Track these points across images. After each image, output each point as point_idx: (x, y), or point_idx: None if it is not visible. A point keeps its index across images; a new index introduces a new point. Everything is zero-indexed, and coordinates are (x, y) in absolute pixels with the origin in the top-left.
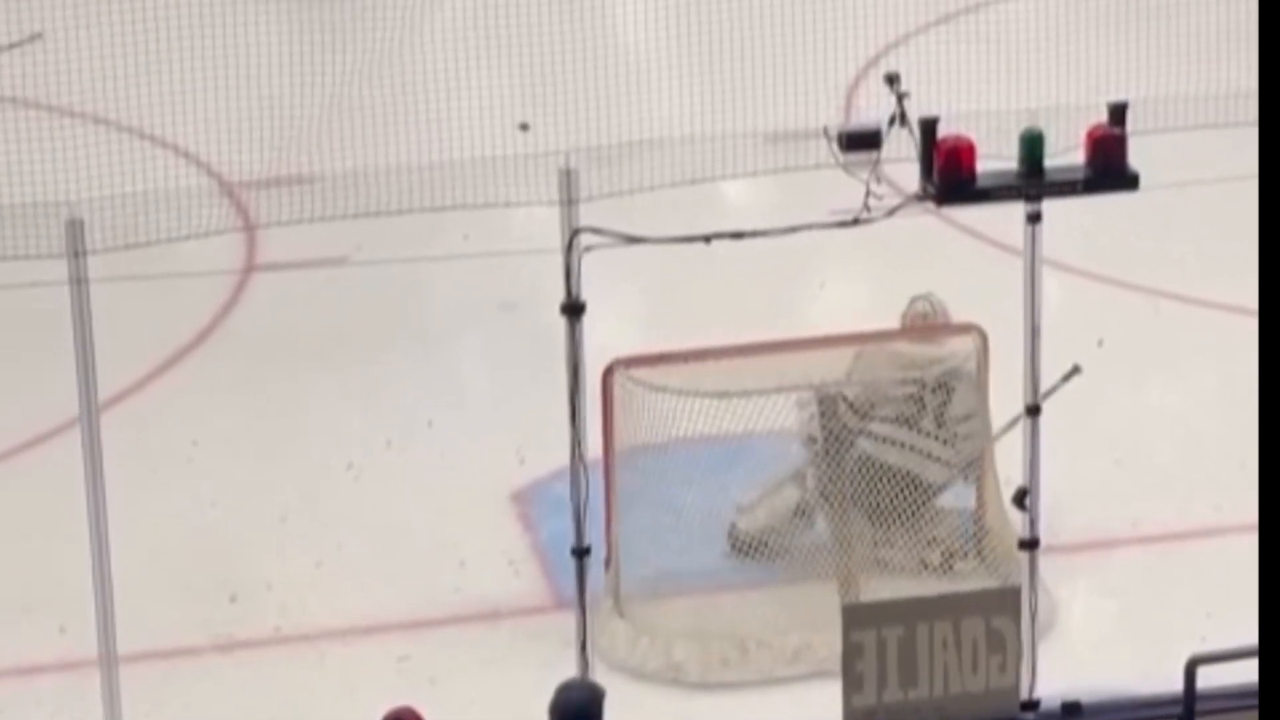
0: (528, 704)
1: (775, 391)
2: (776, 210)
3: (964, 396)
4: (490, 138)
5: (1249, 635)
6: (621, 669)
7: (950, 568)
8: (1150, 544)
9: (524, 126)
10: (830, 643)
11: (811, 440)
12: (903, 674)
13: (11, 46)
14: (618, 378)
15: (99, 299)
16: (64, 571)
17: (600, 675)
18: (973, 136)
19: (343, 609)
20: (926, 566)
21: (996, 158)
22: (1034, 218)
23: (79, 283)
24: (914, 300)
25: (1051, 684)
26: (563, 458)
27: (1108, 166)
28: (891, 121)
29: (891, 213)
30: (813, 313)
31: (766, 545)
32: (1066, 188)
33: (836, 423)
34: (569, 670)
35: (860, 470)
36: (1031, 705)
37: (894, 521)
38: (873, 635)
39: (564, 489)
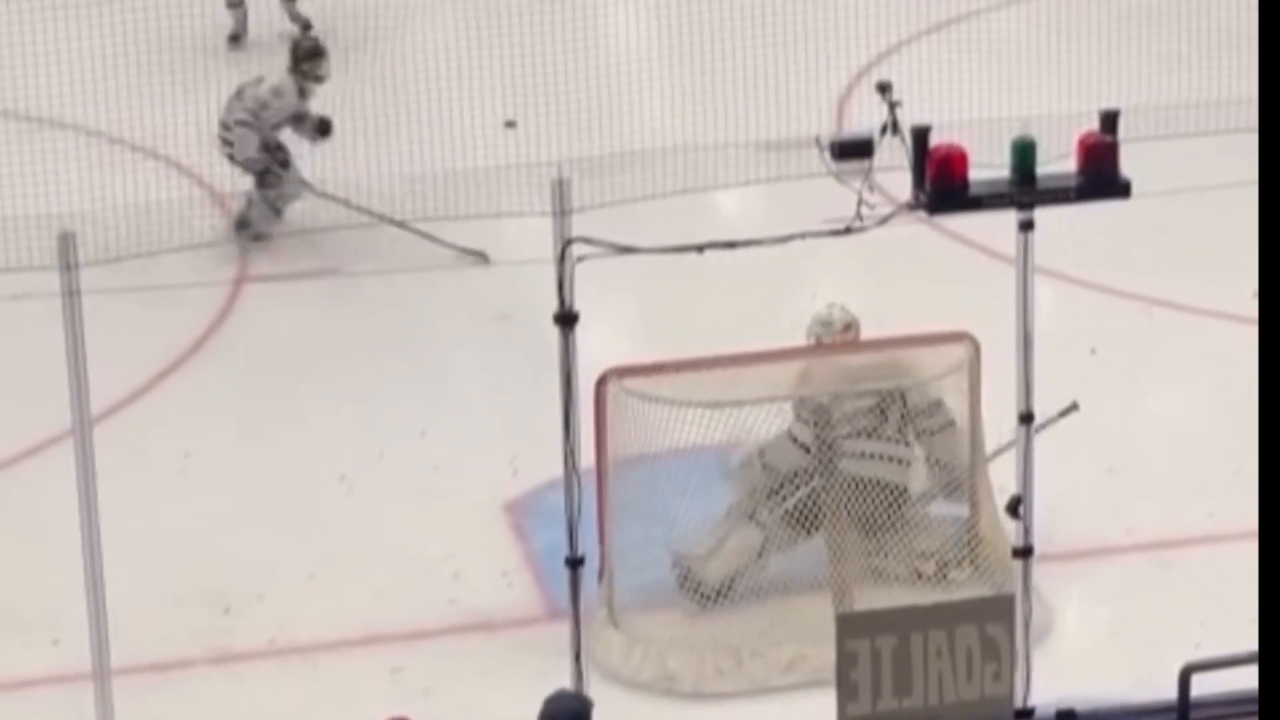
0: (522, 715)
1: (768, 401)
2: (769, 219)
3: (920, 394)
4: (482, 148)
5: (1243, 642)
6: (616, 679)
7: (944, 576)
8: (1144, 551)
9: (510, 124)
10: (824, 652)
11: (804, 449)
12: (897, 683)
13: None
14: (611, 388)
15: (91, 311)
16: (57, 584)
17: (594, 686)
18: (964, 145)
19: (336, 620)
20: (921, 576)
21: (988, 166)
22: (1026, 226)
23: (71, 295)
24: (829, 308)
25: (1046, 692)
26: (556, 468)
27: (1100, 174)
28: (883, 130)
29: (884, 221)
30: (806, 322)
31: (733, 589)
32: (1059, 195)
33: (830, 432)
34: (563, 681)
35: (844, 484)
36: (1026, 713)
37: (881, 531)
38: (867, 644)
39: (557, 499)
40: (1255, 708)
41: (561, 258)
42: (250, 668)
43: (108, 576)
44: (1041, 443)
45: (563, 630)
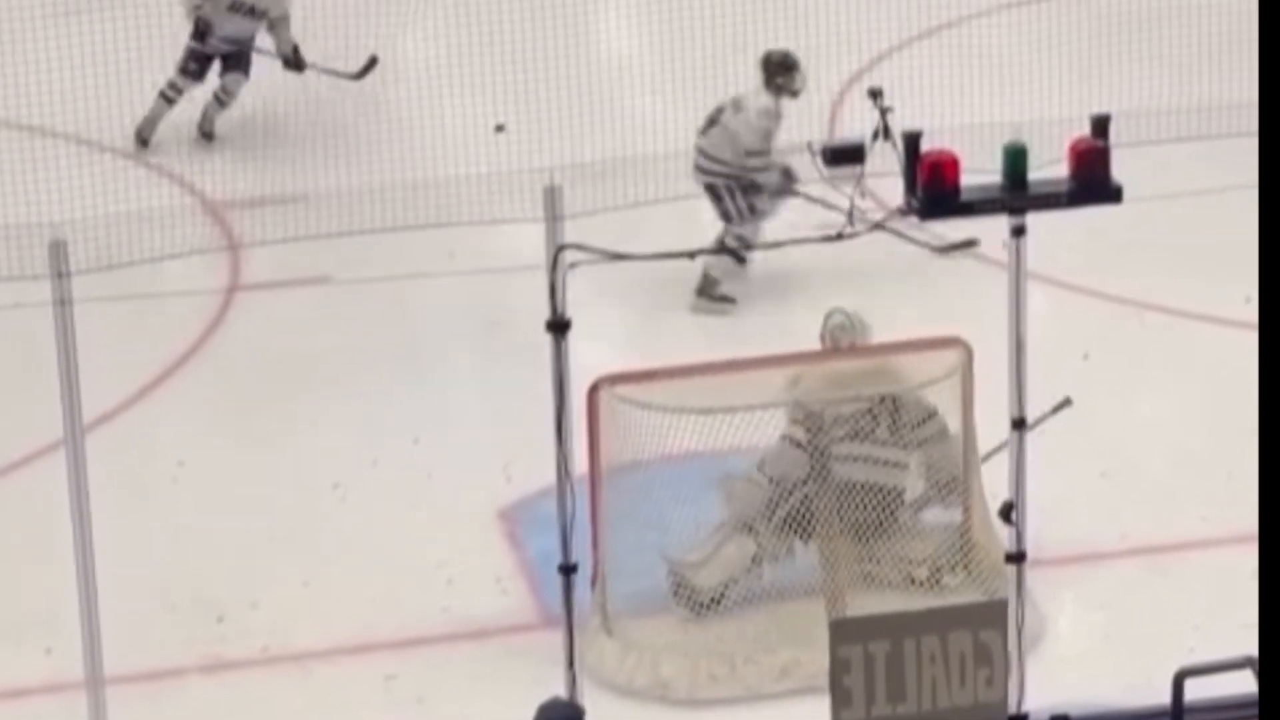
0: None
1: (761, 408)
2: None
3: (915, 403)
4: (474, 155)
5: (1237, 647)
6: (609, 686)
7: (938, 582)
8: (1137, 556)
9: (499, 128)
10: (818, 658)
11: (797, 446)
12: (890, 689)
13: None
14: (603, 395)
15: (83, 320)
16: (50, 593)
17: (588, 693)
18: (956, 150)
19: (330, 628)
20: (914, 581)
21: (980, 171)
22: (1018, 231)
23: (63, 304)
24: (831, 313)
25: (1039, 697)
26: (549, 475)
27: (1091, 179)
28: (875, 136)
29: (875, 227)
30: (798, 328)
31: (726, 598)
32: (1050, 201)
33: (823, 437)
34: (557, 688)
35: (837, 488)
36: (1020, 719)
37: (873, 536)
38: (860, 650)
39: (551, 506)
40: (1249, 713)
41: (553, 265)
42: (244, 675)
43: (101, 584)
44: (1034, 448)
45: (556, 637)
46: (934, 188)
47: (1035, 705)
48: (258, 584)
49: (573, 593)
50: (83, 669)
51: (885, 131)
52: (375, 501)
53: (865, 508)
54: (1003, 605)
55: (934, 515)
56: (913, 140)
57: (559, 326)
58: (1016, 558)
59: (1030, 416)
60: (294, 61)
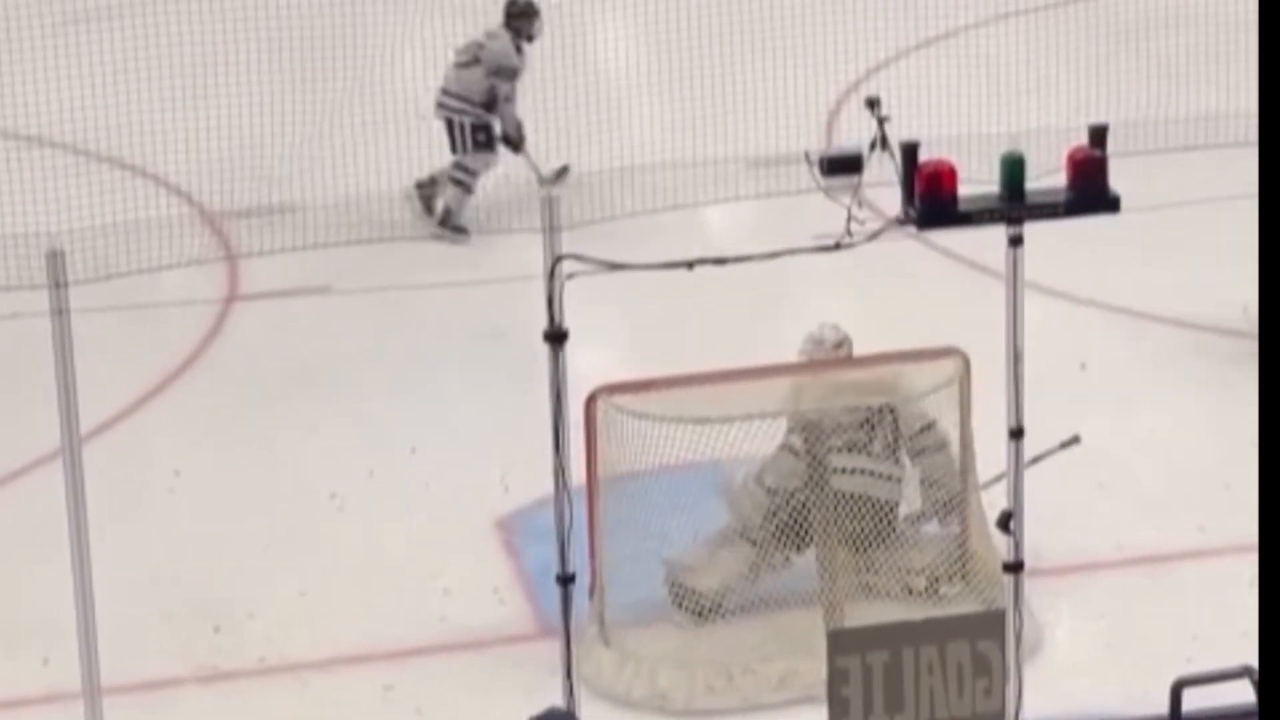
0: None
1: (759, 417)
2: (759, 235)
3: (913, 414)
4: None
5: (1235, 657)
6: (607, 697)
7: (936, 592)
8: (1135, 566)
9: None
10: (816, 668)
11: (795, 455)
12: (888, 699)
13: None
14: (601, 404)
15: (80, 329)
16: (47, 603)
17: (585, 703)
18: (954, 160)
19: (327, 638)
20: (912, 592)
21: (978, 181)
22: (1015, 241)
23: (60, 313)
24: (820, 326)
25: (1037, 707)
26: (547, 485)
27: (1089, 189)
28: (873, 146)
29: (873, 237)
30: (795, 338)
31: (722, 605)
32: (1048, 210)
33: (820, 447)
34: (554, 698)
35: (833, 499)
36: None
37: (870, 546)
38: (858, 660)
39: (548, 516)
40: None
41: (551, 275)
42: (240, 686)
43: (98, 595)
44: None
45: (554, 647)
46: (932, 197)
47: (1033, 715)
48: (255, 594)
49: (570, 603)
50: (80, 679)
51: (883, 141)
52: (372, 511)
53: (861, 519)
54: (1001, 615)
55: (932, 526)
56: (911, 150)
57: (556, 337)
58: (1014, 567)
59: (1029, 430)
60: (515, 141)
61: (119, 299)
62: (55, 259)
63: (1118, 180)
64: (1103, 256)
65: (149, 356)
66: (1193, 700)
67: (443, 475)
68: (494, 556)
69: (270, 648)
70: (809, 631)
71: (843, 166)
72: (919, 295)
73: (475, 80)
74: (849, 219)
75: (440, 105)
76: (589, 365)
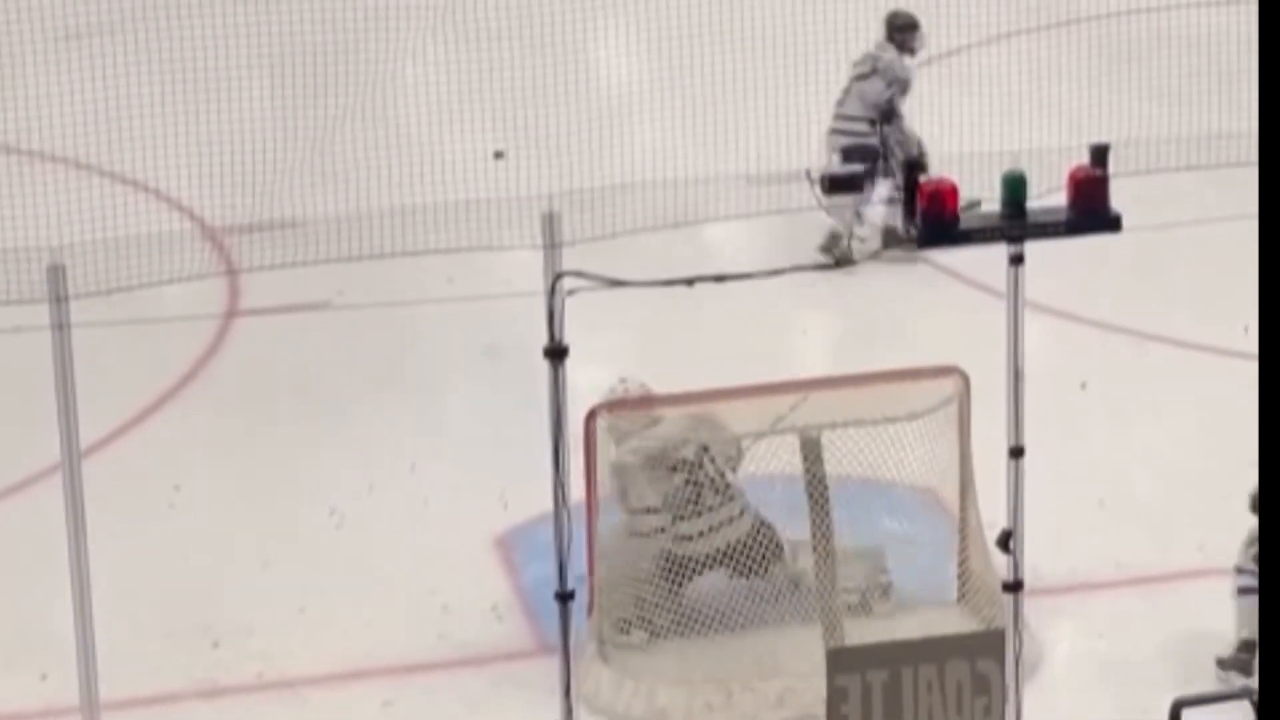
0: None
1: (756, 436)
2: (759, 252)
3: (723, 443)
4: (473, 182)
5: (1233, 677)
6: (606, 714)
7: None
8: (1135, 585)
9: (498, 154)
10: (815, 687)
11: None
12: (887, 717)
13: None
14: (600, 422)
15: (81, 344)
16: (46, 618)
17: None
18: (955, 179)
19: (326, 655)
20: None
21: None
22: (1016, 259)
23: (61, 328)
24: (620, 382)
25: None
26: (546, 502)
27: (1090, 208)
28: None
29: (874, 255)
30: (796, 355)
31: (654, 621)
32: (1049, 229)
33: (820, 465)
34: (553, 716)
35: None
36: None
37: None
38: (857, 679)
39: (547, 533)
40: None
41: (552, 291)
42: (239, 701)
43: (96, 610)
44: (1031, 477)
45: (552, 664)
46: (933, 216)
47: None
48: (254, 609)
49: (569, 620)
50: (79, 694)
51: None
52: (372, 527)
53: (748, 557)
54: (1000, 634)
55: (851, 543)
56: (912, 168)
57: (557, 353)
58: (1014, 587)
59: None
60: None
61: (120, 314)
62: (56, 273)
63: (1119, 200)
64: (1104, 276)
65: (149, 371)
66: None
67: (442, 492)
68: (493, 573)
69: (269, 664)
70: (808, 650)
71: (844, 185)
72: (919, 313)
73: (876, 92)
74: (849, 237)
75: (836, 132)
76: (589, 382)
